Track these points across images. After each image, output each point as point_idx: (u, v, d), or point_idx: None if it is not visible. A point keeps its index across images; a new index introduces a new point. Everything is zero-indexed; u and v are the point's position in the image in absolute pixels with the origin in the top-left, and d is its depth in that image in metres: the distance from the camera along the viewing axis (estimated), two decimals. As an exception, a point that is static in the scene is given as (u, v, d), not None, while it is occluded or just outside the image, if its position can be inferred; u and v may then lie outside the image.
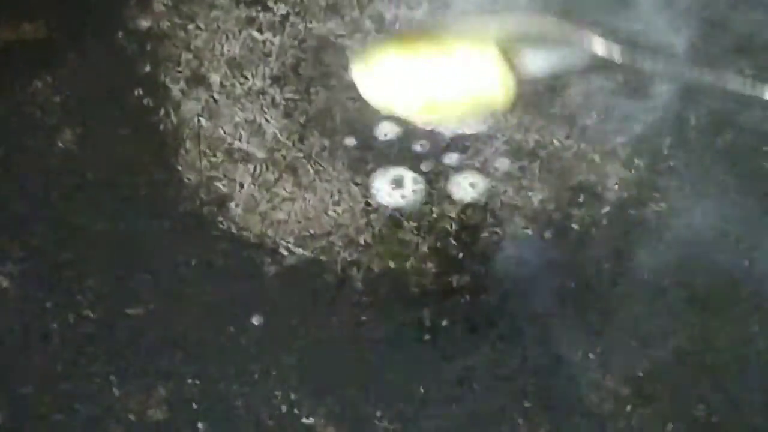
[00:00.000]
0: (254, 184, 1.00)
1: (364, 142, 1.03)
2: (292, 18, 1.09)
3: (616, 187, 1.01)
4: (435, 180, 1.01)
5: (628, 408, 0.89)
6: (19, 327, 0.93)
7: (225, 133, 1.04)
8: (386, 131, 1.03)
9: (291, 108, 1.05)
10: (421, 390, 0.90)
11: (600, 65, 0.86)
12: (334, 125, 1.04)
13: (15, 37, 1.07)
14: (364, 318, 0.93)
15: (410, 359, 0.92)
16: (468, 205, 1.00)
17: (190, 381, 0.90)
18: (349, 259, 0.97)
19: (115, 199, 1.00)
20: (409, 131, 1.02)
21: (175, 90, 1.06)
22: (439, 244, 0.98)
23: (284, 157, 1.02)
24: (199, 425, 0.89)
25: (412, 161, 1.02)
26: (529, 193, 1.00)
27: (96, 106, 1.05)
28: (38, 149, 1.02)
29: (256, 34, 1.08)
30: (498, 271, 0.97)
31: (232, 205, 1.00)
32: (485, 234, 0.98)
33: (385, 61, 0.86)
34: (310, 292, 0.95)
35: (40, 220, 0.98)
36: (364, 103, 0.89)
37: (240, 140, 1.03)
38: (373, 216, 0.99)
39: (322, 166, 1.02)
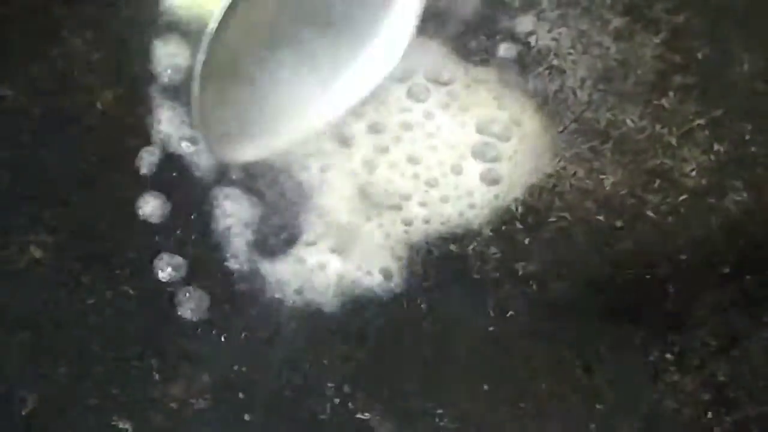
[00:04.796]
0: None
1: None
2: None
3: (694, 173, 0.94)
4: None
5: (709, 415, 0.82)
6: (53, 302, 0.86)
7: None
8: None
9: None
10: (485, 387, 0.84)
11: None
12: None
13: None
14: (423, 306, 0.87)
15: (472, 352, 0.85)
16: (535, 187, 0.93)
17: (236, 368, 0.84)
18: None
19: (154, 167, 0.93)
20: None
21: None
22: (504, 228, 0.91)
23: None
24: (246, 417, 0.82)
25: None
26: (601, 177, 0.93)
27: (137, 67, 0.98)
28: (76, 111, 0.95)
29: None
30: (566, 260, 0.90)
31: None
32: (553, 219, 0.91)
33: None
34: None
35: (76, 187, 0.91)
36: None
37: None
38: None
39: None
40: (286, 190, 0.92)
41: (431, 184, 0.93)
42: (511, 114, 0.97)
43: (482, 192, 0.93)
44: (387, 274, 0.88)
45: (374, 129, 0.95)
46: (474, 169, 0.94)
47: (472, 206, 0.92)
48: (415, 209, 0.92)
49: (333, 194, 0.92)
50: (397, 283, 0.88)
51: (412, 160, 0.94)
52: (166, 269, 0.87)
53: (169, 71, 0.96)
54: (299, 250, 0.89)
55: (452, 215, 0.92)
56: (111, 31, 0.99)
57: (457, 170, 0.93)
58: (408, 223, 0.91)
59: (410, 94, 0.97)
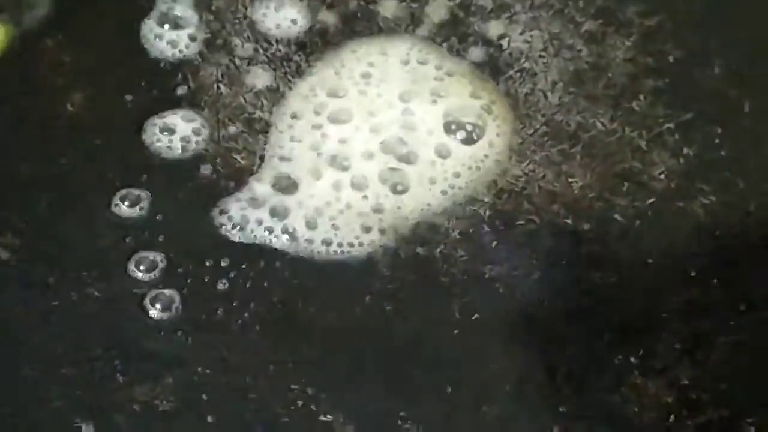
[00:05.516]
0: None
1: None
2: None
3: (663, 176, 0.93)
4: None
5: (671, 418, 0.82)
6: (20, 304, 0.86)
7: (245, 101, 0.97)
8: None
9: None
10: (449, 389, 0.84)
11: None
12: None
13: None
14: (389, 308, 0.87)
15: (438, 355, 0.85)
16: (503, 190, 0.93)
17: (199, 370, 0.84)
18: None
19: (125, 169, 0.93)
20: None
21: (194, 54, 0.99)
22: (471, 231, 0.91)
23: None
24: (209, 418, 0.82)
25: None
26: (570, 180, 0.93)
27: (107, 69, 0.98)
28: (45, 112, 0.95)
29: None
30: (533, 263, 0.90)
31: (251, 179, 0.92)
32: (521, 222, 0.91)
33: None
34: (332, 277, 0.88)
35: (43, 189, 0.91)
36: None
37: (261, 109, 0.96)
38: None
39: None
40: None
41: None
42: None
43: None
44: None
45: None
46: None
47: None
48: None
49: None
50: (363, 284, 0.88)
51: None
52: (133, 270, 0.87)
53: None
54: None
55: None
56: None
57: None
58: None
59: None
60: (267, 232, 0.90)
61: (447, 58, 1.00)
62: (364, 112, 0.95)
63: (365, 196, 0.91)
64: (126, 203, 0.91)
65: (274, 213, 0.91)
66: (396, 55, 0.99)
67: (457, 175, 0.93)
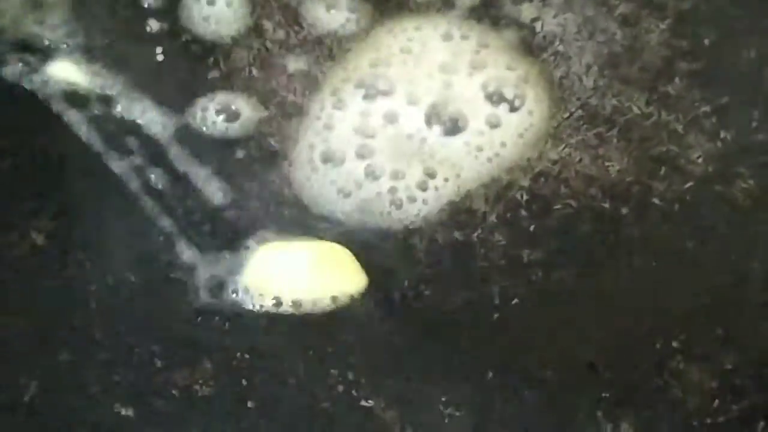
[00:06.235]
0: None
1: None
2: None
3: (701, 160, 0.93)
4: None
5: (715, 403, 0.82)
6: (56, 289, 0.85)
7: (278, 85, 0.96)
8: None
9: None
10: (490, 375, 0.83)
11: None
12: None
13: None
14: (427, 293, 0.86)
15: (477, 340, 0.85)
16: (540, 174, 0.92)
17: (239, 355, 0.83)
18: (411, 228, 0.89)
19: (158, 152, 0.92)
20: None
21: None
22: (508, 215, 0.90)
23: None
24: (249, 404, 0.82)
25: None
26: (606, 164, 0.93)
27: (142, 49, 0.97)
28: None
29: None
30: (571, 247, 0.89)
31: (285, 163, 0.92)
32: (558, 206, 0.91)
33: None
34: (368, 262, 0.87)
35: (79, 171, 0.91)
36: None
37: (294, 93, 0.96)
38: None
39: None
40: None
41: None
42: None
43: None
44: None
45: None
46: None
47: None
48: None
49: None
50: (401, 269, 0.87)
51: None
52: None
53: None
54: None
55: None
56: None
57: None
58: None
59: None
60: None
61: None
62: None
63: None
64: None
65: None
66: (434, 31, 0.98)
67: (503, 144, 0.92)
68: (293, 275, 0.85)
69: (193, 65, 0.97)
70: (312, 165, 0.91)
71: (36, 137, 0.92)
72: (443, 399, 0.82)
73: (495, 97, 0.95)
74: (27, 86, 0.94)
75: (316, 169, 0.91)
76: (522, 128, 0.93)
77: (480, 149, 0.92)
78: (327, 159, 0.92)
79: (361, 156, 0.92)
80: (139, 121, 0.94)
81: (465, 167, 0.91)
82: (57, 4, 0.98)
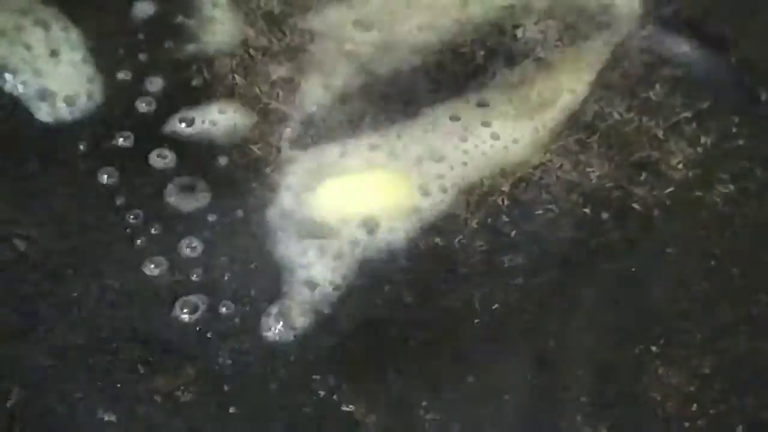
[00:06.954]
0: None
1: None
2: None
3: (681, 165, 0.93)
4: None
5: (694, 407, 0.82)
6: (39, 295, 0.86)
7: (261, 92, 0.97)
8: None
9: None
10: (470, 379, 0.83)
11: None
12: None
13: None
14: (408, 299, 0.86)
15: (458, 345, 0.85)
16: (521, 179, 0.92)
17: (221, 361, 0.83)
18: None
19: (140, 160, 0.93)
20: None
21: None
22: (489, 221, 0.90)
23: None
24: (230, 410, 0.82)
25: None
26: (587, 169, 0.93)
27: (124, 61, 0.98)
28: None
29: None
30: (552, 252, 0.89)
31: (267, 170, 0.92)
32: (539, 211, 0.91)
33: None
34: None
35: (61, 178, 0.91)
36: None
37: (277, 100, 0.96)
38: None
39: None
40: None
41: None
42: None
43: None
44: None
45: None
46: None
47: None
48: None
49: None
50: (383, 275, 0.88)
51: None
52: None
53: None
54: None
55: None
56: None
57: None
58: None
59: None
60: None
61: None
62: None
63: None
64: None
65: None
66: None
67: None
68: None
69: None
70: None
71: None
72: (424, 404, 0.82)
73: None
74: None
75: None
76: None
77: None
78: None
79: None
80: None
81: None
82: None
